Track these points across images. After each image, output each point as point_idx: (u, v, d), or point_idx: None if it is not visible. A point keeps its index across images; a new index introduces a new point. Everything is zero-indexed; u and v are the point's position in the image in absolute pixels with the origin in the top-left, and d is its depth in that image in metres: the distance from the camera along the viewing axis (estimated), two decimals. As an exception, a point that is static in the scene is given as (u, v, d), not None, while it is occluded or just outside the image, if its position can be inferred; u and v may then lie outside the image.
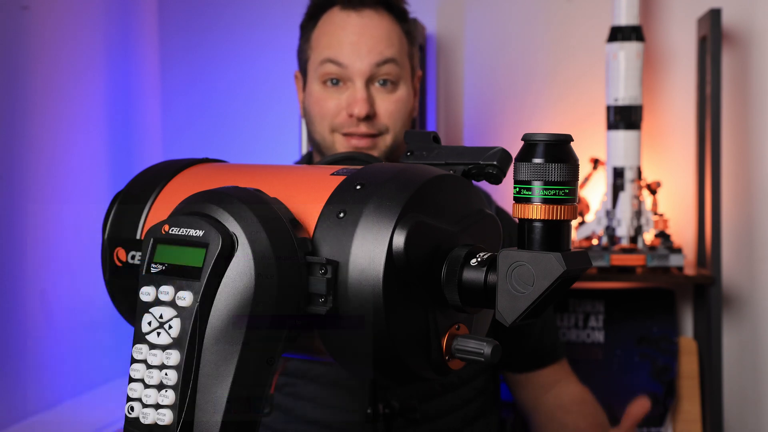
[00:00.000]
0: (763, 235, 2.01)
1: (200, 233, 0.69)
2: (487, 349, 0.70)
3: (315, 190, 0.75)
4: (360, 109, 1.35)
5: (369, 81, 1.38)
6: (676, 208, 2.03)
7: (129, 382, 0.69)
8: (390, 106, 1.39)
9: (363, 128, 1.37)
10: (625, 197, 1.89)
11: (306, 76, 1.44)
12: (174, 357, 0.67)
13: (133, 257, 0.81)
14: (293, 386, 1.38)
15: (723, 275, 1.96)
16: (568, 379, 1.55)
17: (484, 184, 1.75)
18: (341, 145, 1.39)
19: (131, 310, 0.82)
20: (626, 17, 1.88)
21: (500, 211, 1.53)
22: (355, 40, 1.37)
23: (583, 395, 1.54)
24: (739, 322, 2.03)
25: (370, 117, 1.37)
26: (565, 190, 0.65)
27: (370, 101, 1.37)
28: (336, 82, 1.39)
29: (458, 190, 0.76)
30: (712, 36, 1.85)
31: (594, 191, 2.03)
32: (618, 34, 1.89)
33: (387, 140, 1.39)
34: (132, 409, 0.69)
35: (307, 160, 1.55)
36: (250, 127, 2.20)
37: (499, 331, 1.41)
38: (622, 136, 1.89)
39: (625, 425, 1.28)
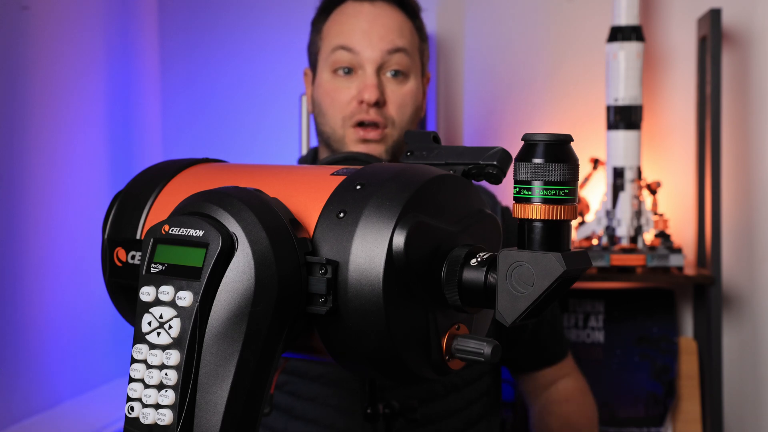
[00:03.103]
0: (763, 235, 2.01)
1: (200, 233, 0.69)
2: (487, 349, 0.70)
3: (315, 190, 0.75)
4: (370, 95, 1.36)
5: (380, 69, 1.38)
6: (676, 208, 2.03)
7: (129, 382, 0.69)
8: (398, 97, 1.39)
9: (373, 114, 1.37)
10: (625, 197, 1.89)
11: (316, 69, 1.44)
12: (174, 357, 0.67)
13: (133, 257, 0.81)
14: (293, 385, 1.37)
15: (723, 275, 1.96)
16: (568, 374, 1.57)
17: (489, 187, 1.75)
18: (352, 137, 1.38)
19: (131, 310, 0.82)
20: (626, 17, 1.88)
21: (506, 211, 1.53)
22: (367, 28, 1.38)
23: (582, 389, 1.56)
24: (739, 322, 2.03)
25: (379, 104, 1.37)
26: (565, 190, 0.65)
27: (381, 88, 1.37)
28: (347, 71, 1.39)
29: (458, 190, 0.76)
30: (712, 36, 1.85)
31: (594, 191, 2.03)
32: (618, 34, 1.89)
33: (394, 134, 1.39)
34: (132, 409, 0.69)
35: (312, 156, 1.54)
36: (250, 127, 2.20)
37: (503, 331, 1.43)
38: (622, 136, 1.89)
39: None
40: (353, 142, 1.38)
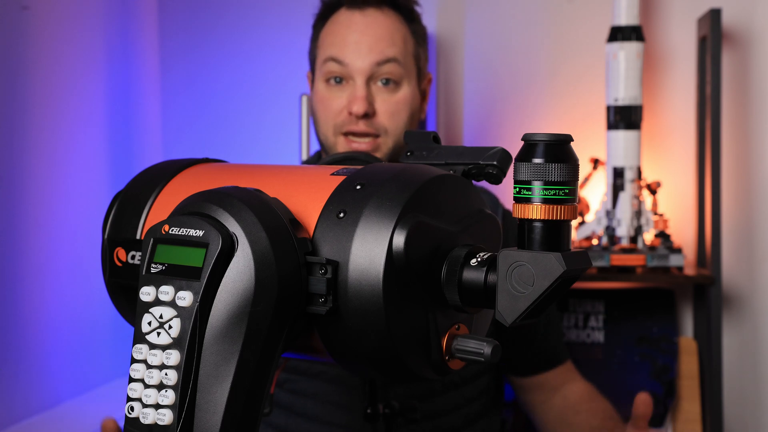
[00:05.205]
0: (763, 235, 2.01)
1: (200, 233, 0.69)
2: (487, 349, 0.70)
3: (315, 190, 0.75)
4: (358, 107, 1.36)
5: (370, 80, 1.38)
6: (676, 208, 2.03)
7: (129, 382, 0.70)
8: (390, 106, 1.39)
9: (362, 126, 1.38)
10: (625, 197, 1.89)
11: (314, 74, 1.46)
12: (174, 357, 0.67)
13: (133, 257, 0.81)
14: (295, 383, 1.38)
15: (723, 275, 1.96)
16: (573, 379, 1.55)
17: (491, 188, 1.75)
18: (342, 146, 1.40)
19: (131, 310, 0.82)
20: (626, 17, 1.88)
21: (507, 214, 1.53)
22: (358, 39, 1.39)
23: (590, 392, 1.54)
24: (739, 322, 2.03)
25: (368, 115, 1.38)
26: (565, 190, 0.65)
27: (369, 99, 1.38)
28: (339, 80, 1.40)
29: (458, 190, 0.76)
30: (712, 36, 1.85)
31: (594, 191, 2.03)
32: (618, 34, 1.89)
33: (388, 142, 1.39)
34: (132, 409, 0.69)
35: (315, 159, 1.55)
36: (250, 127, 2.20)
37: (503, 335, 1.42)
38: (622, 136, 1.89)
39: (638, 424, 1.28)
40: (344, 150, 1.39)
